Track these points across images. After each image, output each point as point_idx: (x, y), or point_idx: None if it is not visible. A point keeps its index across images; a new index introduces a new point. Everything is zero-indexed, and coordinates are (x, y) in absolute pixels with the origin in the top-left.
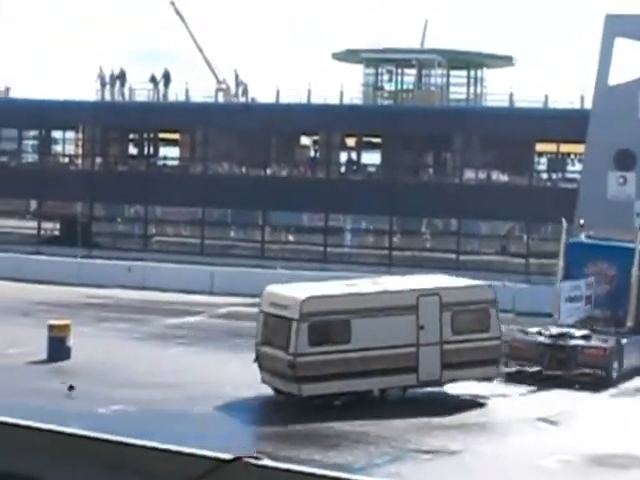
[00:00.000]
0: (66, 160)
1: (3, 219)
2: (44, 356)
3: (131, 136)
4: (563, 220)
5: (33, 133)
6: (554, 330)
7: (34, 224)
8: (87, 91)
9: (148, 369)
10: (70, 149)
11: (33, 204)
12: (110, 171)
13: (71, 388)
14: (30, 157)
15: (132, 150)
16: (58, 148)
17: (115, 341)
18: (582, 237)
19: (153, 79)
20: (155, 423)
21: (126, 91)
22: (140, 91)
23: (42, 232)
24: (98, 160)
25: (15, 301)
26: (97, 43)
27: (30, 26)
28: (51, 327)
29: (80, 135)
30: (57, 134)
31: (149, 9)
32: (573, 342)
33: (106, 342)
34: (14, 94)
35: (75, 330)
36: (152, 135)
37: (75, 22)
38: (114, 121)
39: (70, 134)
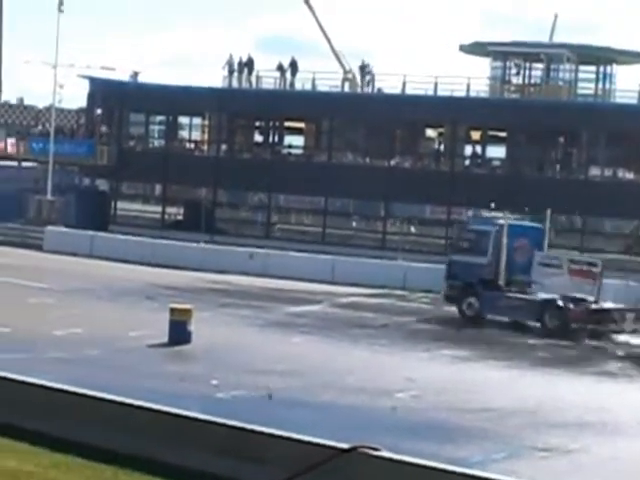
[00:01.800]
0: (192, 146)
1: (129, 203)
2: (165, 339)
3: (257, 124)
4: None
5: (160, 118)
6: None
7: (158, 208)
8: (215, 78)
9: (268, 356)
10: (196, 135)
11: (158, 188)
12: (235, 158)
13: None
14: (157, 142)
15: (257, 138)
16: (184, 134)
17: (235, 327)
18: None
19: (280, 67)
20: (274, 410)
21: (253, 79)
22: (267, 79)
23: (166, 217)
24: (223, 147)
25: (139, 284)
26: (225, 30)
27: (157, 13)
28: (173, 311)
29: (206, 121)
30: (184, 120)
31: None
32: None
33: (227, 328)
34: (142, 79)
35: (196, 315)
36: (277, 123)
37: (204, 7)
38: (240, 108)
39: (197, 120)
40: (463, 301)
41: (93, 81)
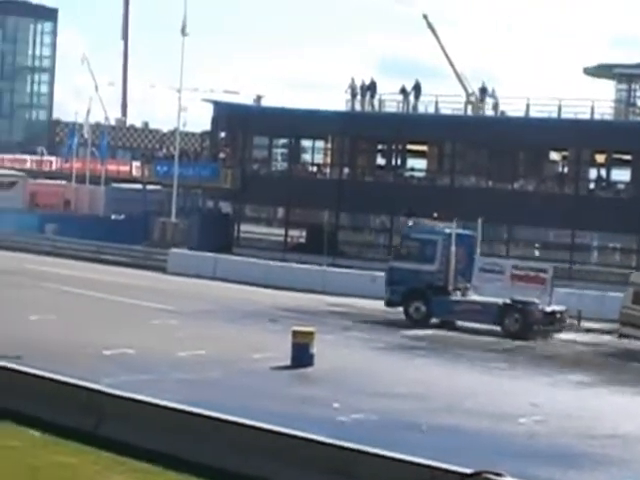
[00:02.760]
0: (314, 169)
1: (252, 225)
2: (288, 362)
3: (379, 147)
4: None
5: (283, 141)
6: None
7: (281, 231)
8: (338, 101)
9: (390, 379)
10: (319, 158)
11: (281, 211)
12: (357, 181)
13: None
14: (280, 165)
15: (380, 161)
16: (307, 157)
17: (357, 350)
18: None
19: (403, 90)
20: (396, 433)
21: (376, 102)
22: (389, 102)
23: (289, 239)
24: (346, 170)
25: (262, 306)
26: (349, 54)
27: (279, 38)
28: (295, 333)
29: (329, 145)
30: (307, 143)
31: (400, 21)
32: None
33: (348, 350)
34: (266, 102)
35: (318, 337)
36: (400, 146)
37: (328, 31)
38: (363, 132)
39: (319, 143)
40: (410, 305)
41: (217, 105)
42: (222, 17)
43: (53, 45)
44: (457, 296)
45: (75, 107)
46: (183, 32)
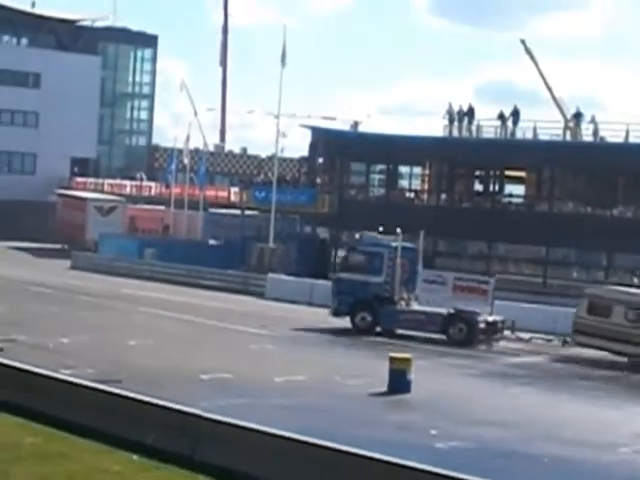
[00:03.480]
0: (412, 195)
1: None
2: (384, 388)
3: (477, 173)
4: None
5: (380, 167)
6: None
7: None
8: (435, 127)
9: (487, 406)
10: (416, 184)
11: None
12: (455, 207)
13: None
14: (377, 191)
15: (477, 187)
16: (404, 183)
17: (454, 377)
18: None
19: (501, 116)
20: (492, 461)
21: (473, 128)
22: (487, 128)
23: None
24: (443, 196)
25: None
26: (446, 79)
27: (376, 64)
28: (392, 359)
29: (426, 171)
30: (404, 169)
31: (498, 47)
32: None
33: (445, 377)
34: (363, 128)
35: (415, 364)
36: (498, 172)
37: (420, 57)
38: (461, 157)
39: (417, 169)
40: (356, 315)
41: (315, 130)
42: (319, 44)
43: (153, 72)
44: (402, 306)
45: (174, 133)
46: (282, 61)
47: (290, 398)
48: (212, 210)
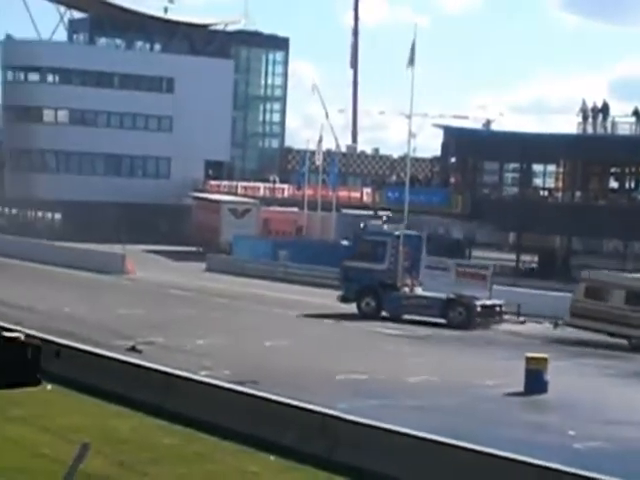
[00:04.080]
0: (546, 193)
1: (483, 251)
2: (521, 388)
3: (612, 170)
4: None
5: (513, 166)
6: None
7: (512, 256)
8: (568, 124)
9: (625, 407)
10: (550, 182)
11: (512, 236)
12: (589, 205)
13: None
14: (510, 190)
15: (613, 184)
16: (538, 181)
17: (590, 377)
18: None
19: (636, 112)
20: (632, 463)
21: (608, 125)
22: (622, 125)
23: (520, 265)
24: (578, 194)
25: (492, 332)
26: (580, 76)
27: (510, 62)
28: (529, 360)
29: (560, 169)
30: (537, 167)
31: (632, 42)
32: None
33: (581, 377)
34: (495, 127)
35: (551, 364)
36: (634, 169)
37: (552, 54)
38: (595, 155)
39: (550, 167)
40: (362, 301)
41: (447, 130)
42: (450, 42)
43: (284, 74)
44: (405, 292)
45: (306, 135)
46: (411, 61)
47: (425, 399)
48: (345, 211)
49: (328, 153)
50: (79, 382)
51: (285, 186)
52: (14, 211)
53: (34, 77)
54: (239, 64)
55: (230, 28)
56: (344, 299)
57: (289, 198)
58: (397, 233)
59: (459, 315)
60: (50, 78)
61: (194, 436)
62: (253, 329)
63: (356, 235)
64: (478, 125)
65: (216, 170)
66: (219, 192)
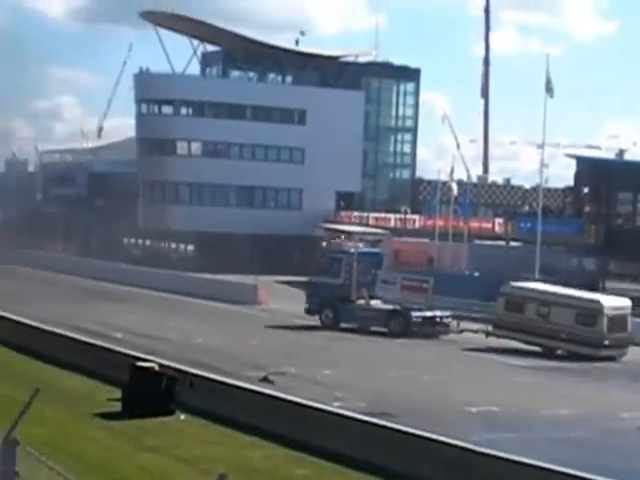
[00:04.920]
0: None
1: (617, 282)
2: None
3: None
4: None
5: None
6: None
7: None
8: None
9: None
10: None
11: None
12: None
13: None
14: None
15: None
16: None
17: None
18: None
19: None
20: None
21: None
22: None
23: None
24: None
25: (619, 366)
26: None
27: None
28: None
29: None
30: None
31: None
32: None
33: None
34: (628, 156)
35: None
36: None
37: None
38: None
39: None
40: (322, 313)
41: (580, 160)
42: (580, 71)
43: (415, 105)
44: (359, 304)
45: (437, 165)
46: (547, 90)
47: (560, 431)
48: (476, 242)
49: (459, 183)
50: (212, 412)
51: (416, 217)
52: (148, 242)
53: (168, 110)
54: (370, 95)
55: (361, 59)
56: (308, 311)
57: (420, 229)
58: (352, 250)
59: (398, 325)
60: (183, 111)
61: (327, 467)
62: (378, 359)
63: (320, 252)
64: (611, 155)
65: (347, 201)
66: (350, 223)
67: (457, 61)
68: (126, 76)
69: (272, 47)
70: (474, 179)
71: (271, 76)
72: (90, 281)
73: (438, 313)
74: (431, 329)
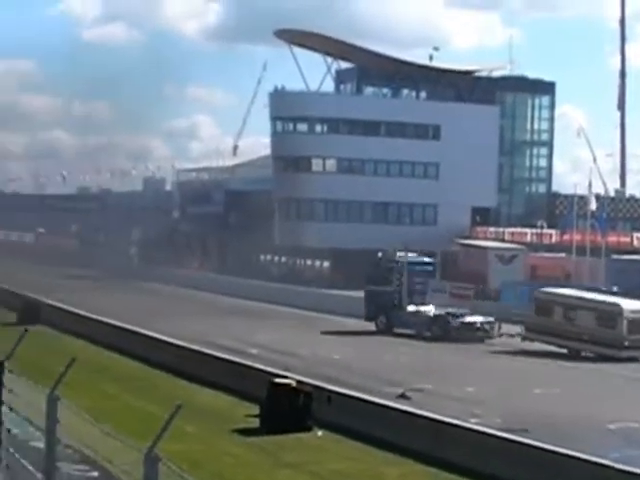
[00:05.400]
0: None
1: None
2: None
3: None
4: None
5: None
6: None
7: None
8: None
9: None
10: None
11: None
12: None
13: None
14: None
15: None
16: None
17: None
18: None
19: None
20: None
21: None
22: None
23: None
24: None
25: None
26: None
27: None
28: None
29: None
30: None
31: None
32: None
33: None
34: None
35: None
36: None
37: None
38: None
39: None
40: (377, 319)
41: None
42: None
43: (551, 119)
44: (409, 311)
45: (573, 179)
46: None
47: None
48: (614, 256)
49: (596, 197)
50: (349, 428)
51: (552, 231)
52: (283, 259)
53: (303, 127)
54: (505, 109)
55: (495, 74)
56: (367, 318)
57: (556, 244)
58: (402, 260)
59: (439, 329)
60: (318, 128)
61: None
62: (523, 376)
63: (373, 262)
64: None
65: (482, 216)
66: (486, 238)
67: (593, 74)
68: (261, 94)
69: (406, 63)
70: (611, 193)
71: (405, 92)
72: (227, 298)
73: (480, 319)
74: (470, 334)
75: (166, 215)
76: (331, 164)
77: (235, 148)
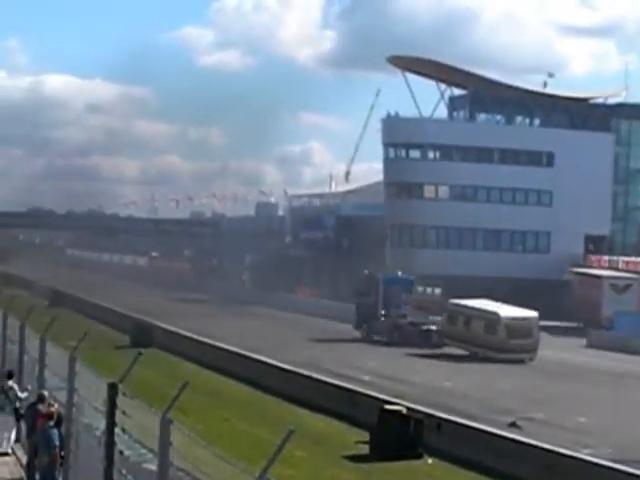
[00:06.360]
0: None
1: None
2: None
3: None
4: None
5: None
6: None
7: None
8: None
9: None
10: None
11: None
12: None
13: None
14: None
15: None
16: None
17: None
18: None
19: None
20: None
21: None
22: None
23: None
24: None
25: None
26: None
27: None
28: None
29: None
30: None
31: None
32: None
33: None
34: None
35: None
36: None
37: None
38: None
39: None
40: (361, 327)
41: None
42: None
43: None
44: (382, 321)
45: None
46: None
47: None
48: None
49: None
50: (459, 456)
51: None
52: None
53: (415, 154)
54: (620, 137)
55: (610, 101)
56: (356, 326)
57: None
58: (380, 277)
59: (398, 336)
60: (431, 154)
61: None
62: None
63: (361, 278)
64: None
65: (596, 245)
66: (600, 267)
67: None
68: (374, 121)
69: (519, 89)
70: None
71: (518, 119)
72: (337, 324)
73: (432, 327)
74: (426, 340)
75: (278, 240)
76: (444, 191)
77: (347, 174)
